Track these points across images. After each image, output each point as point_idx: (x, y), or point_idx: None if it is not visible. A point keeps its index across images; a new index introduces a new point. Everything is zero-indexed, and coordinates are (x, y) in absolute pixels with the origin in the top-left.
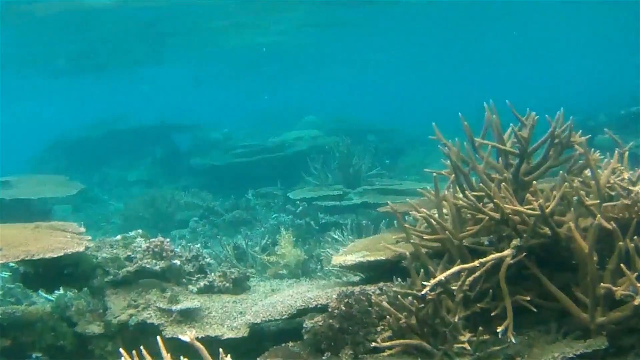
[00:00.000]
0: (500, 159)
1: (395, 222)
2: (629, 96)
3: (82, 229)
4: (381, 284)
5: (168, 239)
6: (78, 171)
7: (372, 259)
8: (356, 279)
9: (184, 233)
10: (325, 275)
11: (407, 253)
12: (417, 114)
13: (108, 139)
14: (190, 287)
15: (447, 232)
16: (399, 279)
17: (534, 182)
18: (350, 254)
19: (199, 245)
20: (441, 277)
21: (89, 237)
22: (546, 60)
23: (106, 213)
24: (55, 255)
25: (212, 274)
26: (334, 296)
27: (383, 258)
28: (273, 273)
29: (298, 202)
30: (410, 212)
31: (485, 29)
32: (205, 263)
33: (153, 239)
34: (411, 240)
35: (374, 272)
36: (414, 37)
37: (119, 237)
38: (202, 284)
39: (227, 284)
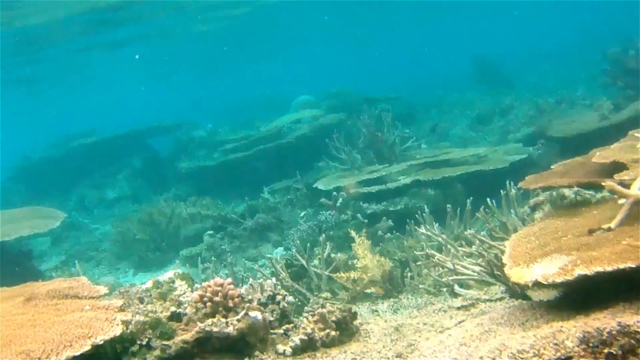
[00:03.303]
0: None
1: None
2: None
3: (103, 289)
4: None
5: (229, 278)
6: (49, 197)
7: (609, 268)
8: (495, 290)
9: (200, 251)
10: (434, 289)
11: None
12: (405, 81)
13: (77, 155)
14: (280, 347)
15: None
16: None
17: None
18: (539, 260)
19: (273, 279)
20: None
21: (119, 303)
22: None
23: (93, 240)
24: (77, 354)
25: (304, 319)
26: (569, 343)
27: (633, 265)
28: (356, 293)
29: (335, 193)
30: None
31: None
32: (287, 304)
33: (207, 282)
34: None
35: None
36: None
37: (148, 283)
38: (296, 339)
39: (332, 333)
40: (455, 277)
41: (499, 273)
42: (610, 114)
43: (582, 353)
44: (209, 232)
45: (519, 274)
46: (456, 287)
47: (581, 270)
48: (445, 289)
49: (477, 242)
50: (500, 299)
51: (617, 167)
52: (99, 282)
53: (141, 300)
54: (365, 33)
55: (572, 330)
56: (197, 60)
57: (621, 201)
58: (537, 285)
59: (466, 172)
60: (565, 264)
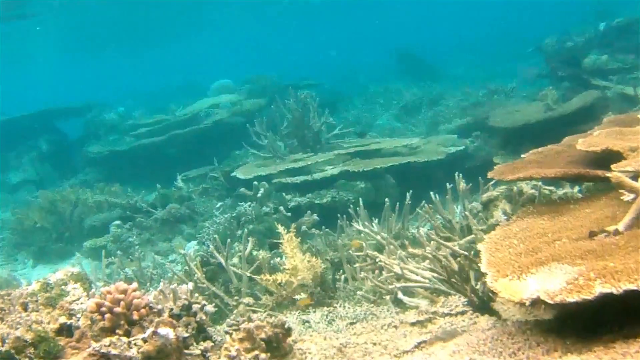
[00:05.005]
0: None
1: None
2: (593, 10)
3: None
4: None
5: (134, 283)
6: None
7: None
8: (454, 301)
9: (105, 244)
10: (375, 296)
11: None
12: (327, 70)
13: None
14: None
15: None
16: None
17: None
18: (533, 271)
19: (190, 284)
20: None
21: None
22: None
23: None
24: None
25: (228, 336)
26: None
27: None
28: (282, 299)
29: (255, 182)
30: None
31: None
32: (205, 314)
33: (107, 287)
34: None
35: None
36: None
37: (35, 285)
38: None
39: (262, 355)
40: (402, 284)
41: (456, 281)
42: (556, 105)
43: None
44: (115, 222)
45: (511, 289)
46: (400, 294)
47: (604, 288)
48: (388, 297)
49: (433, 243)
50: (462, 312)
51: (608, 156)
52: None
53: (24, 307)
54: (286, 20)
55: None
56: (111, 40)
57: (626, 197)
58: (536, 303)
59: (399, 164)
60: (575, 277)
